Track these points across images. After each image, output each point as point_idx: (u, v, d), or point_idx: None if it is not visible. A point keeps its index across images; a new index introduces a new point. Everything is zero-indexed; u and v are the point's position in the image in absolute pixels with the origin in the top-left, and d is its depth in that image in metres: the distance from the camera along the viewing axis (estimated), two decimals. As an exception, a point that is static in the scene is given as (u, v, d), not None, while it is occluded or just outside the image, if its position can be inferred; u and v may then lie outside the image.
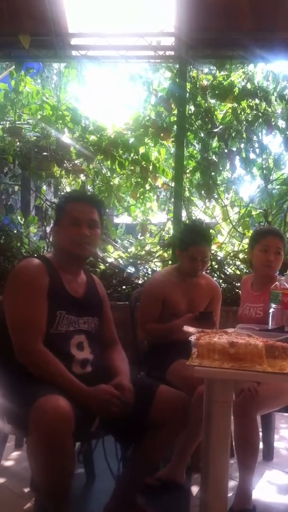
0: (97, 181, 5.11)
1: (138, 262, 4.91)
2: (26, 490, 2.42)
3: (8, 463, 2.74)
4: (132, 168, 4.94)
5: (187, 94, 4.61)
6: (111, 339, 2.28)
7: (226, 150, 4.78)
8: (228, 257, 4.79)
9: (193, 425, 2.16)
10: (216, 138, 4.78)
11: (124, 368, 2.15)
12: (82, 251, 2.10)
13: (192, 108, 4.78)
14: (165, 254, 4.87)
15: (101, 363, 2.10)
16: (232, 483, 2.36)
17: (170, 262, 4.46)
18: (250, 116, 4.74)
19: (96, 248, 2.44)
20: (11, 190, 6.15)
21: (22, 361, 1.92)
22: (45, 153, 5.00)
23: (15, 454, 2.84)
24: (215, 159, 4.83)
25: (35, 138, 5.12)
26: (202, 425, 2.14)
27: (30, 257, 2.21)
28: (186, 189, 4.85)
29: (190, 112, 4.74)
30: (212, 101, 4.86)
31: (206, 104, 4.77)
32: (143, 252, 5.05)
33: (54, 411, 1.65)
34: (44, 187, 5.64)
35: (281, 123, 4.75)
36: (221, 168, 4.92)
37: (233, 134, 4.78)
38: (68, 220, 2.08)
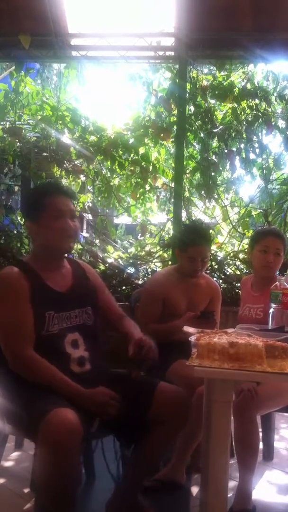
0: (97, 182, 5.12)
1: (138, 262, 4.91)
2: (26, 490, 2.42)
3: (8, 463, 2.74)
4: (132, 168, 4.95)
5: (187, 94, 4.61)
6: (118, 315, 2.27)
7: (226, 150, 4.79)
8: (228, 257, 4.80)
9: (193, 425, 2.16)
10: (216, 138, 4.79)
11: (137, 331, 2.18)
12: (67, 244, 2.08)
13: (192, 108, 4.78)
14: (165, 255, 4.87)
15: (98, 359, 2.09)
16: (232, 483, 2.36)
17: (170, 263, 4.46)
18: (250, 116, 4.75)
19: (76, 240, 2.40)
20: (11, 190, 6.15)
21: (16, 370, 1.92)
22: (45, 154, 5.00)
23: (15, 454, 2.84)
24: (215, 159, 4.84)
25: (35, 138, 5.12)
26: (202, 425, 2.14)
27: (8, 266, 2.15)
28: (186, 189, 4.86)
29: (190, 112, 4.74)
30: (212, 101, 4.87)
31: (206, 104, 4.77)
32: (143, 253, 5.06)
33: (63, 427, 1.65)
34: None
35: (281, 123, 4.75)
36: (221, 168, 4.92)
37: (233, 134, 4.79)
38: (50, 214, 2.03)
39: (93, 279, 2.25)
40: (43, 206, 2.05)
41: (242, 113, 4.77)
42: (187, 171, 4.88)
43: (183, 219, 4.55)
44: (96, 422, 1.88)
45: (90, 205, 5.30)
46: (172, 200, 4.75)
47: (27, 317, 1.95)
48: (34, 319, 1.96)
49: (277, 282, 2.32)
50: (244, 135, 4.79)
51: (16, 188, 6.09)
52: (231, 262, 4.77)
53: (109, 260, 4.90)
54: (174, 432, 2.10)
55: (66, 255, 2.21)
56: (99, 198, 5.18)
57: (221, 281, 4.48)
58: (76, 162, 5.00)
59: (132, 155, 4.91)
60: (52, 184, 2.36)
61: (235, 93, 4.67)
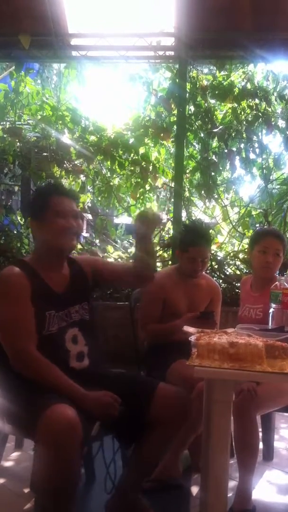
0: (97, 182, 5.12)
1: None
2: (26, 490, 2.42)
3: (8, 463, 2.74)
4: (132, 168, 4.95)
5: (187, 94, 4.61)
6: (125, 269, 2.34)
7: (226, 150, 4.79)
8: (228, 257, 4.80)
9: (191, 421, 2.16)
10: (216, 138, 4.79)
11: None
12: (69, 243, 2.10)
13: (192, 108, 4.78)
14: (165, 255, 4.87)
15: (97, 354, 2.10)
16: (232, 483, 2.36)
17: (170, 263, 4.46)
18: (250, 116, 4.75)
19: (79, 240, 2.43)
20: (11, 191, 6.15)
21: (17, 368, 1.92)
22: (45, 154, 5.00)
23: (15, 454, 2.83)
24: (215, 159, 4.84)
25: (35, 138, 5.13)
26: (199, 421, 2.15)
27: (9, 266, 2.17)
28: (186, 189, 4.86)
29: (190, 112, 4.75)
30: (212, 101, 4.87)
31: (206, 104, 4.77)
32: (143, 253, 5.04)
33: (62, 422, 1.65)
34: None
35: (281, 123, 4.75)
36: (221, 168, 4.92)
37: (233, 134, 4.79)
38: (53, 213, 2.06)
39: (87, 271, 2.25)
40: (47, 205, 2.08)
41: (242, 113, 4.77)
42: (187, 171, 4.88)
43: (183, 219, 4.55)
44: (96, 425, 1.87)
45: (90, 205, 5.30)
46: (172, 200, 4.75)
47: (29, 315, 1.96)
48: (35, 318, 1.97)
49: (277, 282, 2.32)
50: (244, 135, 4.79)
51: (16, 188, 6.09)
52: (231, 262, 4.77)
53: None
54: (173, 432, 2.10)
55: (68, 255, 2.22)
56: (99, 198, 5.18)
57: (221, 281, 4.48)
58: (76, 162, 5.00)
59: (132, 155, 4.91)
60: (56, 185, 2.40)
61: (235, 93, 4.68)
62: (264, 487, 2.62)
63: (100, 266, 2.29)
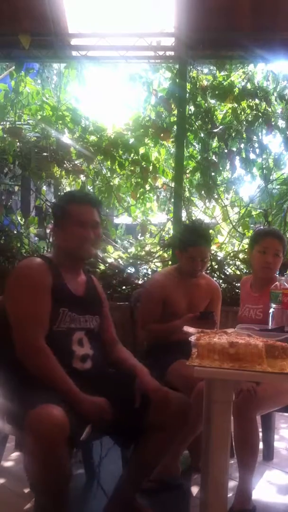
0: (97, 182, 5.12)
1: (138, 262, 4.91)
2: (26, 490, 2.42)
3: (8, 463, 2.74)
4: (132, 168, 4.94)
5: (187, 94, 4.61)
6: (112, 339, 2.30)
7: (226, 150, 4.79)
8: (228, 257, 4.79)
9: (190, 421, 2.16)
10: (216, 138, 4.79)
11: (139, 364, 2.19)
12: (87, 252, 2.15)
13: (192, 108, 4.78)
14: (165, 255, 4.87)
15: (101, 359, 2.12)
16: (232, 483, 2.36)
17: (170, 263, 4.46)
18: (250, 116, 4.75)
19: (98, 248, 2.45)
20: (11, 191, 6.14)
21: (22, 357, 1.93)
22: (45, 154, 5.00)
23: (15, 454, 2.84)
24: (215, 159, 4.84)
25: (35, 138, 5.12)
26: (199, 421, 2.15)
27: (31, 256, 2.22)
28: (186, 189, 4.85)
29: (190, 112, 4.74)
30: (212, 101, 4.87)
31: (206, 104, 4.77)
32: (143, 253, 5.05)
33: (48, 421, 1.66)
34: (44, 188, 5.64)
35: (281, 123, 4.75)
36: (221, 168, 4.92)
37: (233, 134, 4.79)
38: (73, 222, 2.10)
39: (101, 295, 2.32)
40: (67, 213, 2.12)
41: (242, 113, 4.77)
42: (187, 171, 4.88)
43: (183, 219, 4.55)
44: (87, 429, 1.87)
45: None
46: (172, 200, 4.75)
47: (45, 308, 1.99)
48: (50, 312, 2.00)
49: (277, 282, 2.32)
50: (244, 135, 4.79)
51: (16, 188, 6.09)
52: (231, 262, 4.77)
53: (109, 260, 4.90)
54: (172, 436, 2.10)
55: (85, 262, 2.28)
56: (99, 198, 5.17)
57: (221, 281, 4.48)
58: (76, 162, 5.00)
59: (132, 155, 4.91)
60: (79, 193, 2.42)
61: (235, 93, 4.67)
62: (264, 487, 2.62)
63: (106, 309, 2.30)
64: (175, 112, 4.66)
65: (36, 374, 1.89)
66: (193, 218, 4.74)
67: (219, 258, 4.72)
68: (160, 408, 1.99)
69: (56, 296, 2.02)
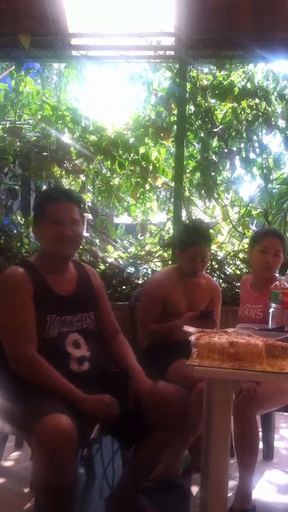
0: (97, 181, 5.11)
1: (138, 262, 4.91)
2: (26, 490, 2.42)
3: (8, 463, 2.75)
4: (132, 168, 4.94)
5: (187, 94, 4.61)
6: (112, 330, 2.26)
7: (226, 150, 4.79)
8: (228, 257, 4.80)
9: (191, 420, 2.16)
10: (216, 138, 4.78)
11: (136, 365, 2.15)
12: (65, 250, 2.09)
13: (192, 108, 4.77)
14: (165, 254, 4.87)
15: (99, 360, 2.09)
16: (232, 483, 2.36)
17: (170, 262, 4.46)
18: (250, 116, 4.74)
19: (80, 245, 2.40)
20: (12, 190, 6.15)
21: (17, 369, 1.92)
22: (45, 153, 4.99)
23: (15, 454, 2.84)
24: (215, 159, 4.83)
25: (35, 138, 5.12)
26: (200, 421, 2.15)
27: (13, 264, 2.17)
28: (186, 189, 4.85)
29: (190, 112, 4.74)
30: (212, 101, 4.86)
31: (206, 104, 4.77)
32: (143, 252, 5.05)
33: (57, 432, 1.65)
34: (44, 187, 5.64)
35: (281, 123, 4.75)
36: (221, 168, 4.91)
37: (233, 134, 4.78)
38: (49, 221, 2.05)
39: (96, 285, 2.26)
40: (44, 212, 2.08)
41: (242, 112, 4.76)
42: (187, 171, 4.87)
43: (183, 218, 4.55)
44: (96, 428, 1.87)
45: (90, 205, 5.29)
46: (172, 199, 4.75)
47: (30, 318, 1.95)
48: (36, 321, 1.96)
49: (277, 282, 2.33)
50: (244, 135, 4.78)
51: (16, 188, 6.09)
52: (231, 262, 4.77)
53: (109, 260, 4.90)
54: (173, 432, 2.09)
55: (68, 261, 2.21)
56: (99, 198, 5.17)
57: (221, 280, 4.48)
58: (76, 162, 5.00)
59: (132, 154, 4.91)
60: (56, 190, 2.37)
61: (235, 92, 4.67)
62: (264, 487, 2.62)
63: (104, 300, 2.27)
64: (175, 111, 4.66)
65: (34, 384, 1.87)
66: (193, 217, 4.74)
67: (219, 258, 4.72)
68: (157, 408, 1.98)
69: (41, 303, 1.98)
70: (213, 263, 4.54)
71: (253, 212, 4.99)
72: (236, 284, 4.33)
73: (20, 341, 1.93)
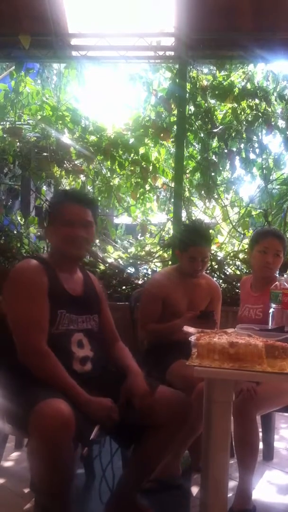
0: (97, 182, 5.12)
1: (138, 262, 4.91)
2: (26, 490, 2.42)
3: (8, 463, 2.74)
4: (132, 168, 4.94)
5: (187, 94, 4.61)
6: (112, 337, 2.28)
7: (226, 150, 4.79)
8: (228, 257, 4.80)
9: (191, 421, 2.16)
10: (216, 138, 4.79)
11: (134, 366, 2.14)
12: (77, 251, 2.11)
13: (192, 108, 4.78)
14: (165, 255, 4.87)
15: (101, 361, 2.10)
16: (232, 483, 2.36)
17: (170, 263, 4.46)
18: (250, 116, 4.75)
19: (91, 247, 2.43)
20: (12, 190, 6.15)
21: (26, 362, 1.91)
22: (45, 154, 5.00)
23: (15, 454, 2.84)
24: (215, 159, 4.84)
25: (35, 138, 5.12)
26: (199, 421, 2.15)
27: (27, 257, 2.20)
28: (186, 189, 4.86)
29: (190, 112, 4.74)
30: (212, 101, 4.87)
31: (206, 104, 4.77)
32: (143, 253, 5.05)
33: (54, 416, 1.64)
34: (44, 188, 5.64)
35: (281, 123, 4.75)
36: (221, 168, 4.92)
37: (233, 134, 4.79)
38: (62, 222, 2.08)
39: (99, 291, 2.30)
40: (58, 212, 2.12)
41: (242, 113, 4.77)
42: (187, 171, 4.88)
43: (183, 219, 4.55)
44: (96, 429, 1.86)
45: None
46: (172, 200, 4.75)
47: (44, 311, 1.97)
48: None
49: (277, 282, 2.33)
50: (244, 135, 4.78)
51: (16, 188, 6.09)
52: (231, 262, 4.77)
53: (109, 260, 4.90)
54: (172, 435, 2.09)
55: (79, 262, 2.26)
56: (99, 198, 5.17)
57: (221, 281, 4.48)
58: (76, 162, 5.00)
59: (132, 155, 4.91)
60: (69, 192, 2.39)
61: (235, 93, 4.67)
62: (264, 487, 2.62)
63: (105, 306, 2.28)
64: (175, 112, 4.66)
65: (41, 378, 1.86)
66: (193, 218, 4.74)
67: (219, 258, 4.72)
68: (159, 405, 1.98)
69: (53, 297, 2.00)
70: (213, 263, 4.55)
71: (253, 213, 4.99)
72: (236, 284, 4.33)
73: (32, 333, 1.93)
